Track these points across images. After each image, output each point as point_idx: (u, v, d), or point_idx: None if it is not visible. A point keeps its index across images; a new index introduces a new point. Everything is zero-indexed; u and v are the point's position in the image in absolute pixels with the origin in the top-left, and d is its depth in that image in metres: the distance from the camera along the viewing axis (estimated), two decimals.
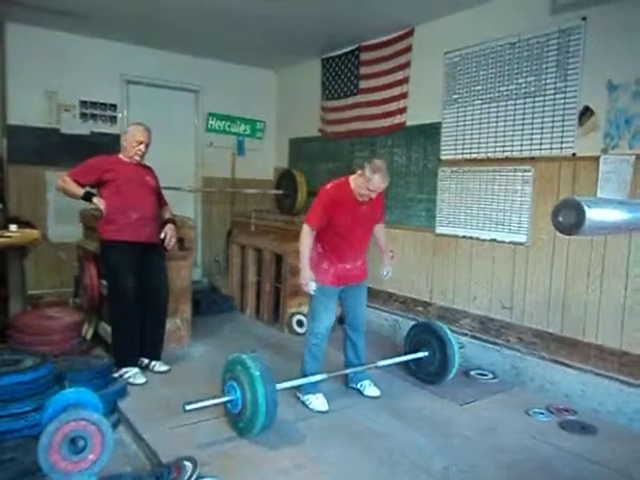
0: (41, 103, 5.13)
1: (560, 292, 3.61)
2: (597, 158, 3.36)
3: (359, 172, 3.13)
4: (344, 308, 3.50)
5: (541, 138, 3.69)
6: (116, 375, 3.39)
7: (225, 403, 2.84)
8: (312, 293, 3.17)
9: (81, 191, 3.53)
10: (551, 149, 3.64)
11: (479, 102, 4.10)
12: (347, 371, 3.47)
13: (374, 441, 2.84)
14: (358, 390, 3.47)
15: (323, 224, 3.17)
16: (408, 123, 4.72)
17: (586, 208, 1.13)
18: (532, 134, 3.75)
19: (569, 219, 1.14)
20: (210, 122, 6.17)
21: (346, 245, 3.25)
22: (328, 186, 3.24)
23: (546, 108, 3.65)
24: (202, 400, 2.75)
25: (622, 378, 3.26)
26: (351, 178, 3.21)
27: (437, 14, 4.33)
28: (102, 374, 3.17)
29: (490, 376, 3.81)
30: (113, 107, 5.53)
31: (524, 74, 3.78)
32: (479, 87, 4.09)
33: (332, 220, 3.17)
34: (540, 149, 3.70)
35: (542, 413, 3.23)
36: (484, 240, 4.10)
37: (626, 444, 2.94)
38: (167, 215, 3.86)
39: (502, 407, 3.35)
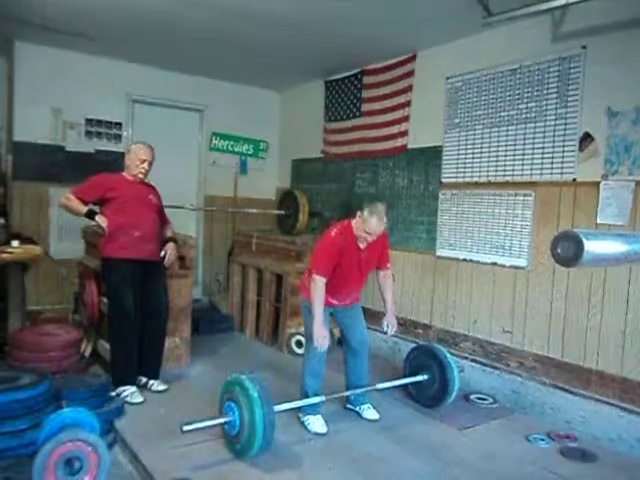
0: (47, 120, 5.18)
1: (560, 317, 3.60)
2: (597, 184, 3.38)
3: (359, 214, 3.13)
4: (341, 330, 3.49)
5: (542, 163, 3.72)
6: (113, 394, 3.37)
7: (223, 424, 2.82)
8: (323, 350, 3.14)
9: (84, 209, 3.55)
10: (552, 174, 3.66)
11: (480, 127, 4.14)
12: (346, 393, 3.44)
13: (372, 465, 2.81)
14: (357, 412, 3.44)
15: (331, 272, 3.16)
16: (410, 146, 4.76)
17: (584, 240, 1.12)
18: (533, 159, 3.78)
19: (567, 251, 1.13)
20: (214, 141, 6.22)
21: (340, 286, 3.26)
22: (333, 233, 3.20)
23: (547, 133, 3.69)
24: (200, 421, 2.73)
25: (623, 405, 3.24)
26: (353, 222, 3.20)
27: (439, 40, 4.39)
28: (99, 393, 3.14)
29: (490, 401, 3.78)
30: (118, 125, 5.58)
31: (525, 100, 3.82)
32: (480, 112, 4.14)
33: (335, 266, 3.18)
34: (541, 174, 3.73)
35: (542, 439, 3.20)
36: (485, 263, 4.10)
37: (626, 472, 2.90)
38: (169, 234, 3.88)
39: (502, 432, 3.32)
